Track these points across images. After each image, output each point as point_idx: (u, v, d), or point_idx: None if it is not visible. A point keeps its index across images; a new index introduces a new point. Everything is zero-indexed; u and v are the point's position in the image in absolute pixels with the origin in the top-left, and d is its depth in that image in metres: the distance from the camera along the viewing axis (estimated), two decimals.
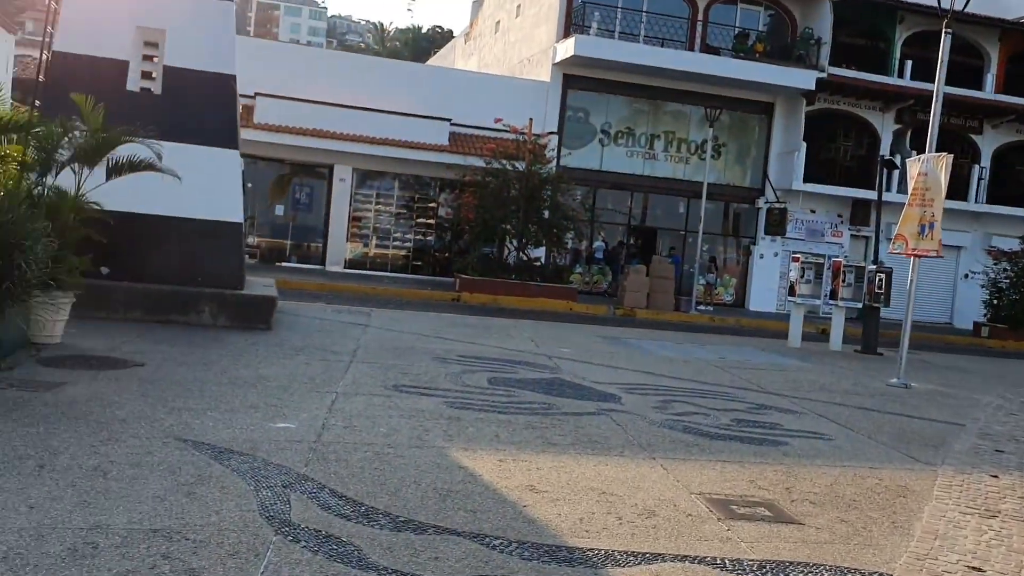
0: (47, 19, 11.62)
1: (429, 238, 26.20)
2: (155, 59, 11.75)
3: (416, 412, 7.45)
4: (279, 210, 24.99)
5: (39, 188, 8.74)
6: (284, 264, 24.50)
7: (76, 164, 8.87)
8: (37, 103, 10.78)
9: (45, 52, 11.37)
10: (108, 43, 11.40)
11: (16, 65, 36.40)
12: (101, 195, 9.62)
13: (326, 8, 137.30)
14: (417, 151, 24.21)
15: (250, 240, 24.87)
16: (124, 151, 9.28)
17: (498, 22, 33.77)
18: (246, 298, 11.49)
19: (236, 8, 12.44)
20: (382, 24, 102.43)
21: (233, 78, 11.88)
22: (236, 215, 11.84)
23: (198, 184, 11.59)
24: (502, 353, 11.77)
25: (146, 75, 11.73)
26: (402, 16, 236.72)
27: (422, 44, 78.35)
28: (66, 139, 8.61)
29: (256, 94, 22.88)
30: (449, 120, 24.77)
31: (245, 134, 22.68)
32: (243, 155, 24.85)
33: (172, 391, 7.33)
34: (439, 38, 76.14)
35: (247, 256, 24.70)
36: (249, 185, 24.12)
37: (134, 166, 9.24)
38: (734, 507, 5.64)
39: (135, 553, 3.93)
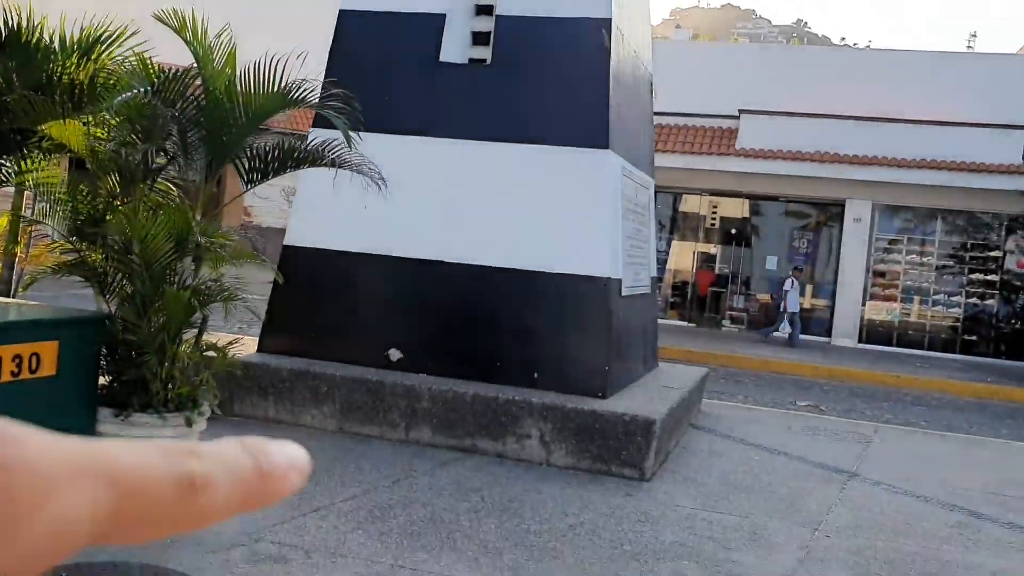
0: None
1: (989, 301, 18.24)
2: (489, 10, 7.20)
3: None
4: (772, 263, 19.23)
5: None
6: (776, 334, 18.63)
7: (194, 155, 4.47)
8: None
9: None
10: None
11: None
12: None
13: None
14: (970, 175, 16.66)
15: (735, 303, 19.53)
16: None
17: None
18: (599, 419, 6.15)
19: None
20: None
21: (607, 23, 6.82)
22: (602, 267, 6.64)
23: (534, 212, 6.72)
24: None
25: (477, 38, 7.24)
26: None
27: None
28: (172, 115, 4.26)
29: (740, 111, 17.63)
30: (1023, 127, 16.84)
31: (727, 163, 17.56)
32: (726, 193, 19.76)
33: None
34: None
35: (727, 323, 19.61)
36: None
37: (285, 161, 4.56)
38: None
39: None
